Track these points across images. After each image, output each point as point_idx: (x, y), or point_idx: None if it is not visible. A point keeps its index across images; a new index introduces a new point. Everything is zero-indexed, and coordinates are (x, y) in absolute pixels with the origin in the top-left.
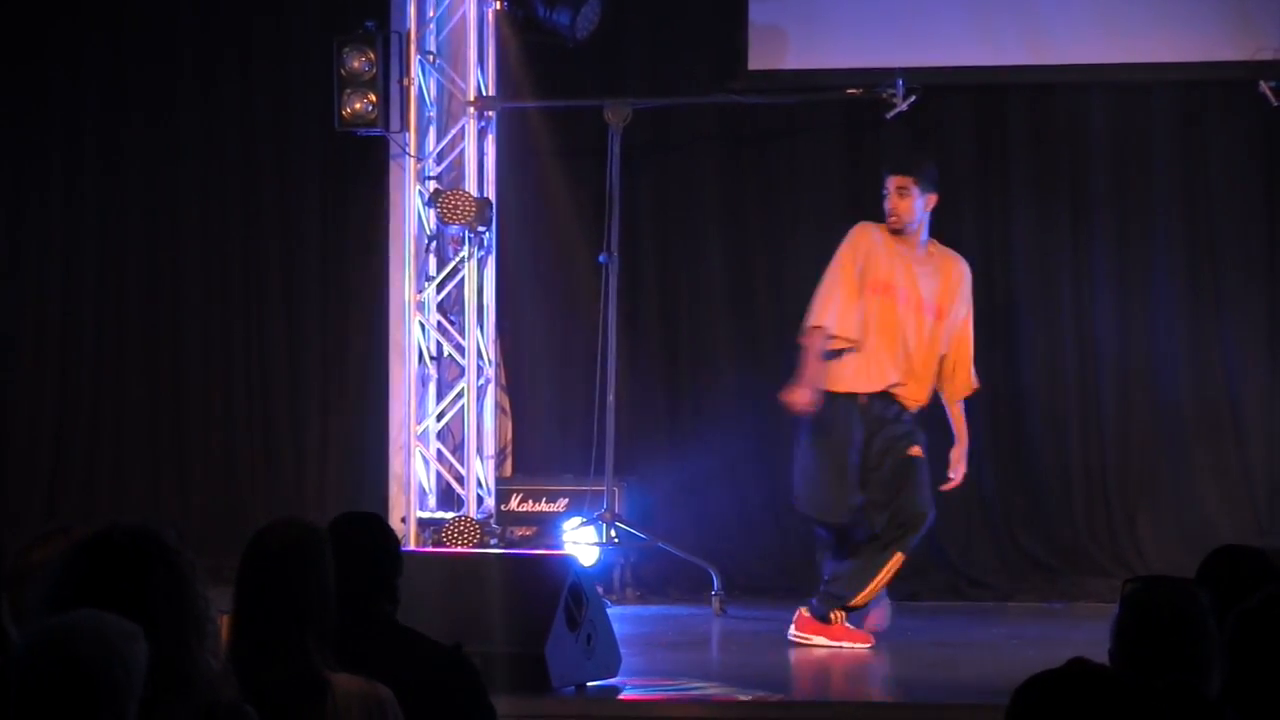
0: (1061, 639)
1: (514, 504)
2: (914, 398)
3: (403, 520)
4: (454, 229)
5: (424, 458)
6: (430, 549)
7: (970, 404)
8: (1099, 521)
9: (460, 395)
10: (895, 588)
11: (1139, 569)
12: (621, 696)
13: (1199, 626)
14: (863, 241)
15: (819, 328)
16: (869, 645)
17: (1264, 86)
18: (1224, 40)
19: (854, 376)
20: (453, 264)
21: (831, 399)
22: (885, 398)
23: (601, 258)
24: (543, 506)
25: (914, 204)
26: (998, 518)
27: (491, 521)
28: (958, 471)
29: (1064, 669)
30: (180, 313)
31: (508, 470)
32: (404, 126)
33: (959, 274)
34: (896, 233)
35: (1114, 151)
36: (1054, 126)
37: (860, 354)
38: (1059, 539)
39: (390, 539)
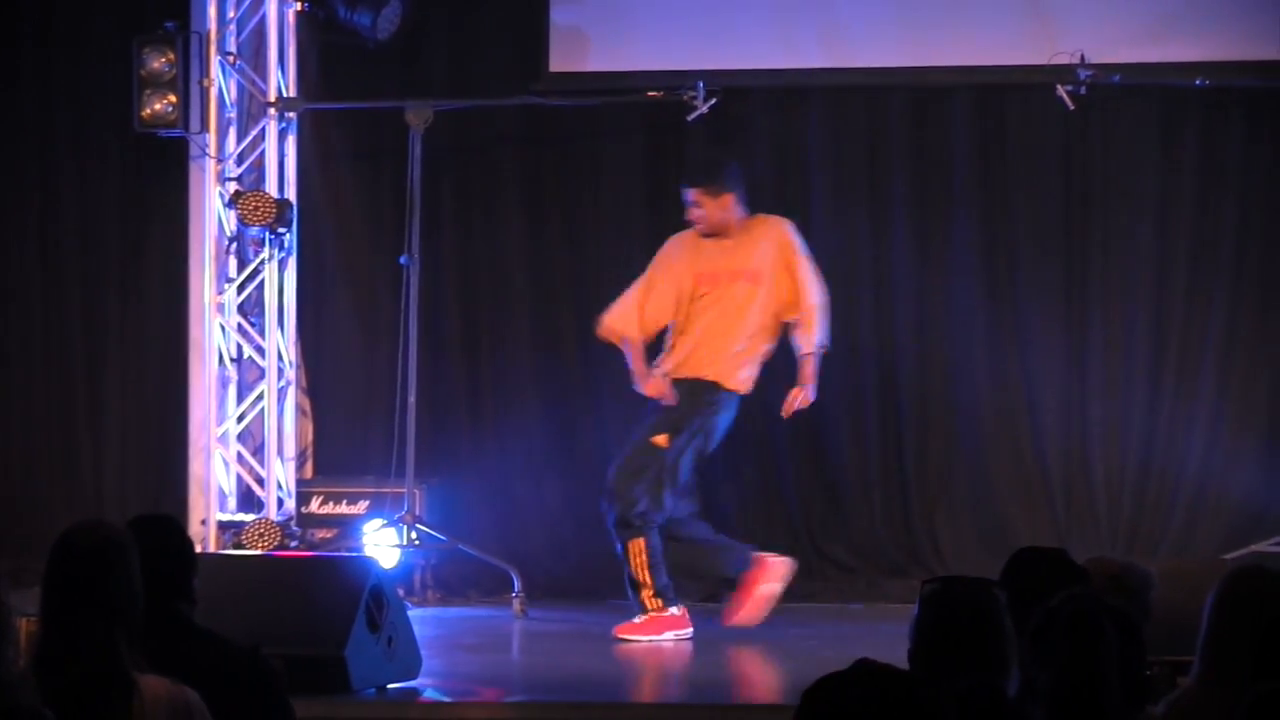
0: (860, 639)
1: (314, 506)
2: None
3: (202, 523)
4: (254, 230)
5: (224, 460)
6: (230, 551)
7: (767, 405)
8: (897, 522)
9: (260, 397)
10: (693, 588)
11: (937, 569)
12: (421, 699)
13: (996, 625)
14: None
15: None
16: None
17: (1061, 90)
18: (1022, 44)
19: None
20: (253, 265)
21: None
22: None
23: (402, 259)
24: (343, 509)
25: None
26: (797, 519)
27: (292, 524)
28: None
29: (850, 670)
30: None
31: (308, 472)
32: (204, 127)
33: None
34: (709, 236)
35: (913, 154)
36: (854, 129)
37: None
38: (857, 540)
39: (183, 539)
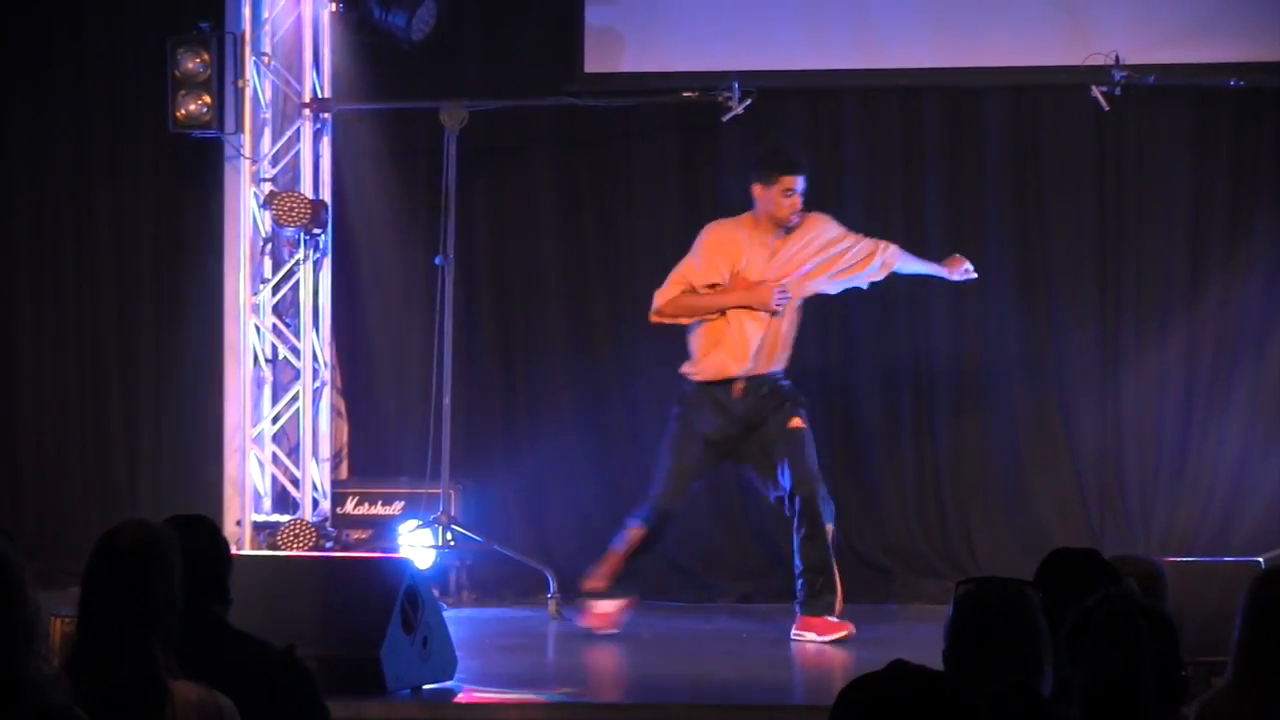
0: (896, 640)
1: (350, 507)
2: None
3: (237, 523)
4: (289, 231)
5: (259, 461)
6: (265, 552)
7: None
8: (932, 523)
9: (295, 398)
10: (729, 589)
11: (972, 570)
12: (457, 699)
13: (1031, 626)
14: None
15: None
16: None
17: (1096, 91)
18: (1057, 45)
19: None
20: (288, 266)
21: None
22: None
23: (437, 260)
24: (378, 509)
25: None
26: (833, 520)
27: (327, 524)
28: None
29: (885, 671)
30: (10, 312)
31: (343, 473)
32: (239, 128)
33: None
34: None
35: (947, 155)
36: (888, 130)
37: None
38: (893, 541)
39: (219, 540)
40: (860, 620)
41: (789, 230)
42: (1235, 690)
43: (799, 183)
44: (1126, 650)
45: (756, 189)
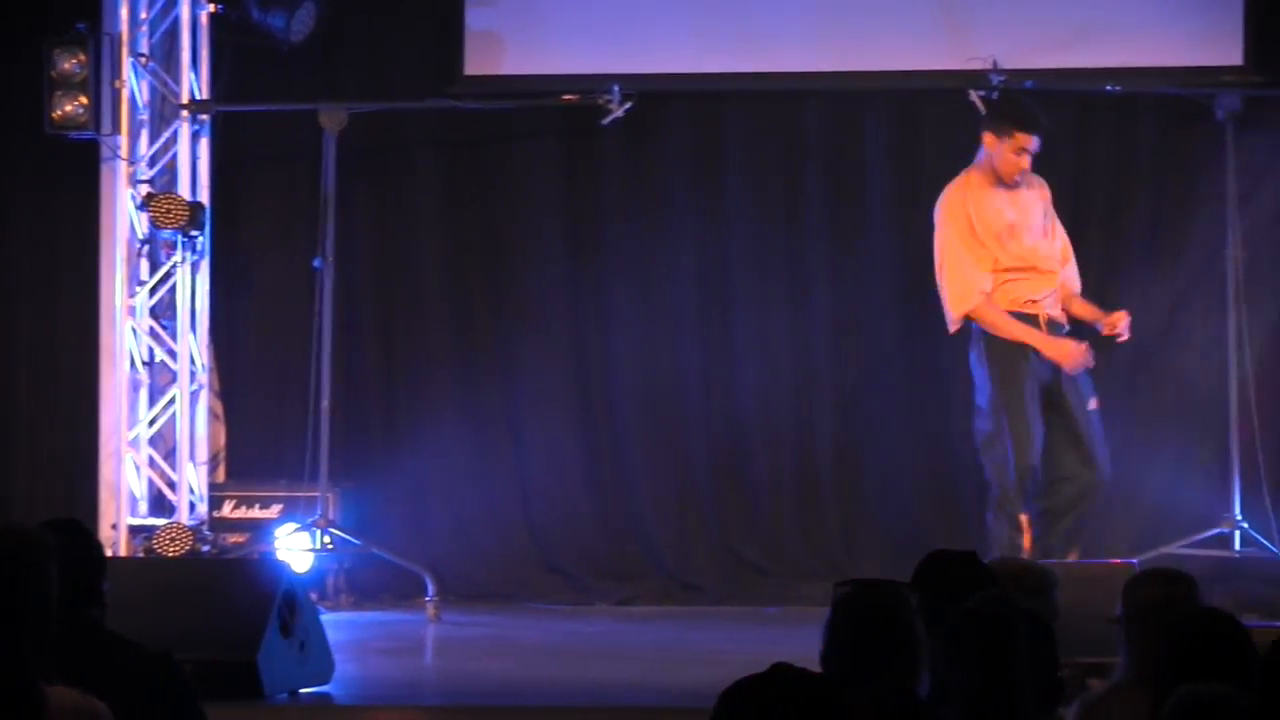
0: (776, 642)
1: (227, 510)
2: None
3: (113, 527)
4: (167, 233)
5: (135, 464)
6: (141, 556)
7: (685, 408)
8: (812, 525)
9: (172, 401)
10: (608, 592)
11: (851, 572)
12: (334, 703)
13: (908, 628)
14: None
15: None
16: None
17: (974, 96)
18: (939, 50)
19: None
20: (165, 268)
21: None
22: None
23: (316, 262)
24: (256, 513)
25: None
26: (712, 521)
27: (204, 528)
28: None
29: (766, 674)
30: None
31: (221, 476)
32: (116, 129)
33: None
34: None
35: (830, 157)
36: (770, 133)
37: None
38: (772, 542)
39: (92, 542)
40: (739, 622)
41: (1014, 187)
42: (1115, 692)
43: (1034, 143)
44: (1002, 652)
45: (988, 138)
